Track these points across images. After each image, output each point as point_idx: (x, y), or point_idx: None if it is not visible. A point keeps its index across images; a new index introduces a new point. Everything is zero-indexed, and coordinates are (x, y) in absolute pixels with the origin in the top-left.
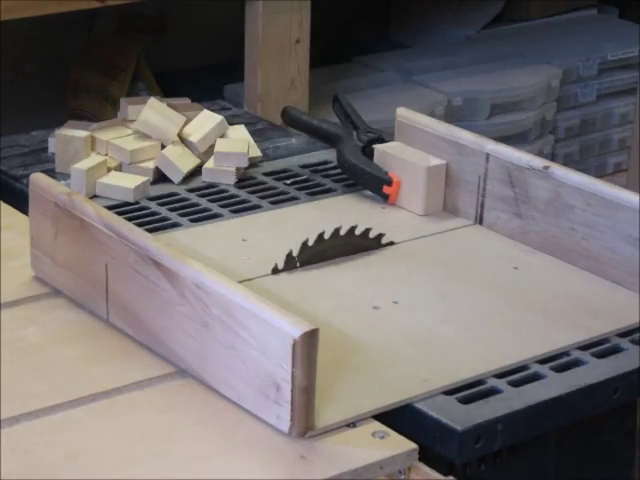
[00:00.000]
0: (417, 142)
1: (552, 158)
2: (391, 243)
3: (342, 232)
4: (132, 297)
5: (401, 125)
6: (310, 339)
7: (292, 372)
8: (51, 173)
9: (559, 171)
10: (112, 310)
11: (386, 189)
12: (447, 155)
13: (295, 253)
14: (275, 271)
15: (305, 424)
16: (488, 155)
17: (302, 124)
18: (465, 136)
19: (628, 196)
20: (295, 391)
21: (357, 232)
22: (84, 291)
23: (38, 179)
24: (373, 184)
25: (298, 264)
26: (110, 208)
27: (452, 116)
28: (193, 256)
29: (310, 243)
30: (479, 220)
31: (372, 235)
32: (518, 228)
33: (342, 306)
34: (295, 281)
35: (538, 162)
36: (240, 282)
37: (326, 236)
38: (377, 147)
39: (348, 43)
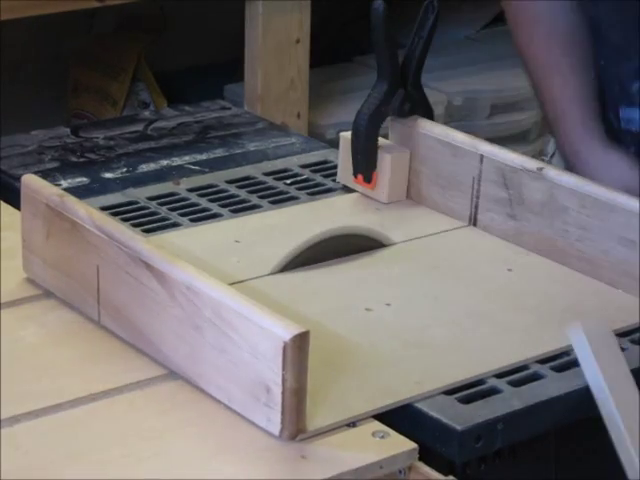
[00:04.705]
0: (411, 143)
1: (552, 158)
2: (389, 244)
3: (339, 232)
4: (123, 299)
5: (394, 126)
6: (301, 342)
7: (283, 375)
8: (50, 173)
9: (553, 172)
10: (103, 312)
11: (355, 180)
12: (441, 156)
13: (293, 253)
14: (273, 272)
15: (296, 427)
16: (482, 156)
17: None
18: (459, 137)
19: (622, 198)
20: (286, 394)
21: (356, 232)
22: (75, 293)
23: (30, 180)
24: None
25: (295, 265)
26: (110, 208)
27: (452, 116)
28: (187, 257)
29: (307, 244)
30: (473, 221)
31: (371, 236)
32: (512, 230)
33: (334, 308)
34: (287, 283)
35: (532, 164)
36: (233, 284)
37: (323, 237)
38: (343, 135)
39: (348, 43)
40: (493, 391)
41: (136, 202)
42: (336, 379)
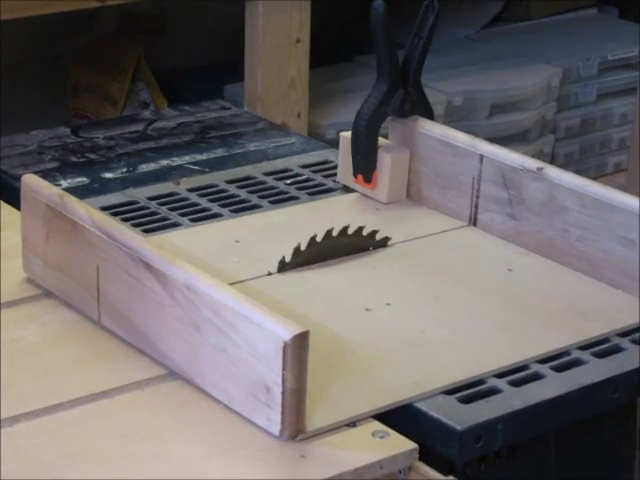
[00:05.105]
0: (411, 143)
1: (552, 158)
2: (392, 244)
3: (350, 231)
4: (123, 299)
5: (394, 126)
6: (301, 342)
7: (283, 375)
8: (50, 173)
9: (553, 172)
10: (103, 312)
11: (355, 180)
12: (441, 156)
13: (303, 248)
14: (281, 268)
15: (296, 427)
16: (482, 156)
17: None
18: (459, 137)
19: (622, 198)
20: (286, 394)
21: (364, 232)
22: (75, 293)
23: (30, 180)
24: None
25: (295, 265)
26: (110, 208)
27: (452, 116)
28: (187, 257)
29: (318, 239)
30: (473, 221)
31: (378, 237)
32: (512, 230)
33: (334, 308)
34: (287, 283)
35: (532, 163)
36: (233, 284)
37: (334, 233)
38: (343, 135)
39: (348, 43)
40: (493, 391)
41: (136, 202)
42: (336, 379)
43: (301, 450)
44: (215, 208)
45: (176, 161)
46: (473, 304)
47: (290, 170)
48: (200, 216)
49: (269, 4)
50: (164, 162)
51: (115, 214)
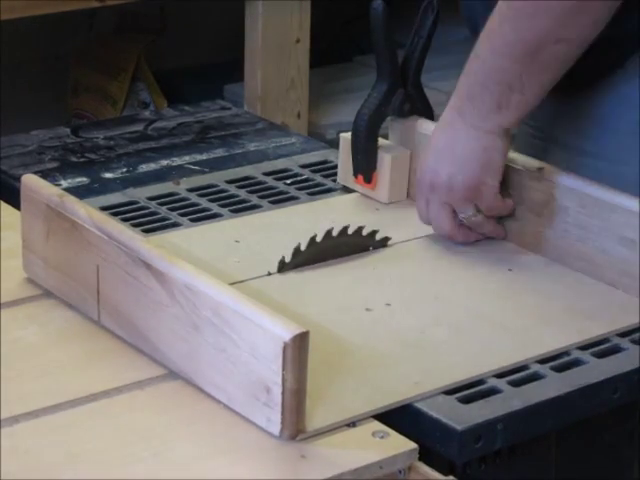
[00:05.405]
0: (411, 143)
1: None
2: (392, 244)
3: (350, 231)
4: (123, 299)
5: (394, 126)
6: (301, 342)
7: (283, 375)
8: (50, 172)
9: (553, 172)
10: (103, 312)
11: (356, 180)
12: None
13: (303, 248)
14: (281, 268)
15: (296, 427)
16: None
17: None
18: None
19: (622, 198)
20: (286, 394)
21: (364, 232)
22: (75, 293)
23: (30, 180)
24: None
25: (295, 265)
26: (110, 208)
27: None
28: (187, 257)
29: (318, 239)
30: None
31: (378, 237)
32: (512, 230)
33: (334, 308)
34: (287, 283)
35: (532, 163)
36: (232, 284)
37: (334, 233)
38: (343, 135)
39: (348, 43)
40: (493, 391)
41: (136, 202)
42: (336, 379)
43: (301, 450)
44: (215, 208)
45: (176, 161)
46: (473, 304)
47: (290, 170)
48: (200, 216)
49: (269, 4)
50: (164, 162)
51: (115, 214)
